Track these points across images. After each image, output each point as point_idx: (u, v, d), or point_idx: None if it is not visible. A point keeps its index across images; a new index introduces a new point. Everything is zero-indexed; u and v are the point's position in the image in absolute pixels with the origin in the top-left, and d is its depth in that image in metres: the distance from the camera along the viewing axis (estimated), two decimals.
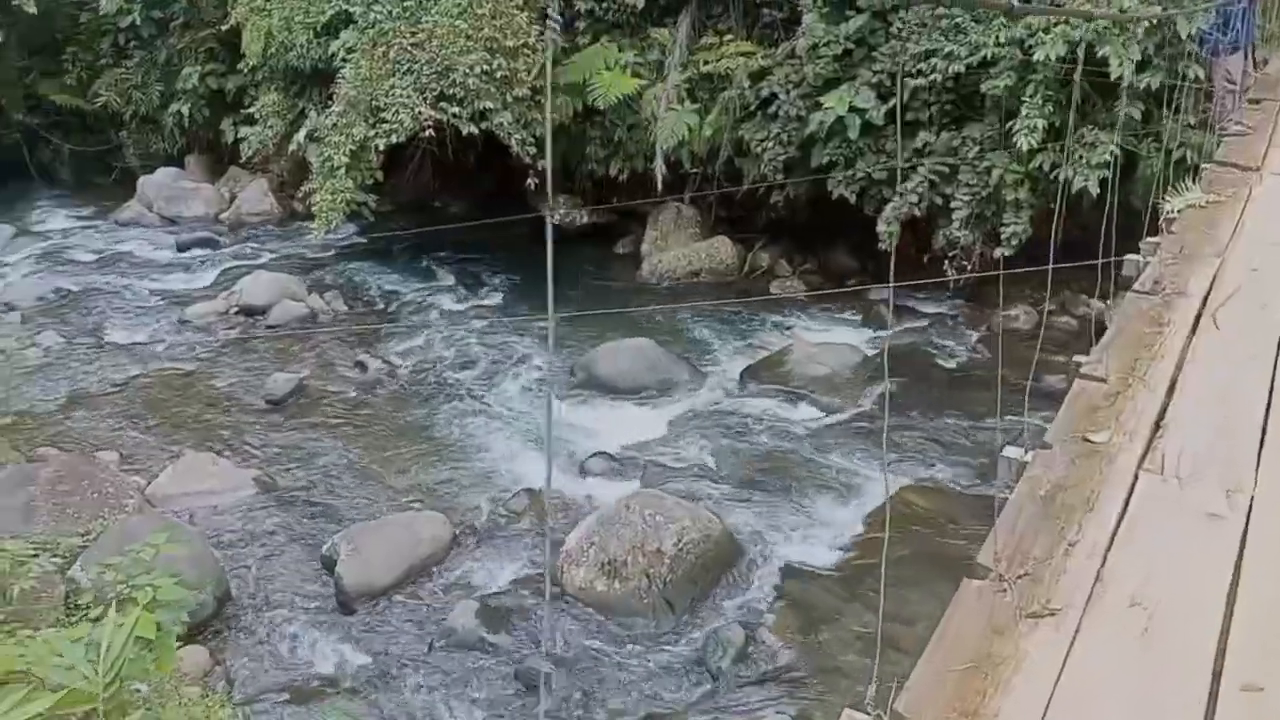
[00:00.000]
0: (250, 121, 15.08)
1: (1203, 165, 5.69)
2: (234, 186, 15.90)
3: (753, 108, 12.79)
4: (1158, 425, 3.08)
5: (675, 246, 13.11)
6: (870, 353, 10.56)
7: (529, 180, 12.53)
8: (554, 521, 7.77)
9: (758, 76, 12.78)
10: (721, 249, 13.02)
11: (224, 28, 15.24)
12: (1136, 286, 4.07)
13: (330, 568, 7.09)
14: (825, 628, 6.52)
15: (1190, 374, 3.37)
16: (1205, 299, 3.93)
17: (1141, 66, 10.21)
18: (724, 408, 9.68)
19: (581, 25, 13.56)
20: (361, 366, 10.28)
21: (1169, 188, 4.94)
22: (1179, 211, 4.84)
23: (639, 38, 13.69)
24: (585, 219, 13.85)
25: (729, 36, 13.28)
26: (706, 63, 13.08)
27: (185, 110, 16.06)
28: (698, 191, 13.61)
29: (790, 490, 8.26)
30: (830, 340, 10.72)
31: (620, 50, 13.40)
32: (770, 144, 12.51)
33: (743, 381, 10.12)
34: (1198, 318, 3.76)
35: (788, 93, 12.40)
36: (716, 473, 8.51)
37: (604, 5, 13.64)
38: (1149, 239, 4.63)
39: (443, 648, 6.36)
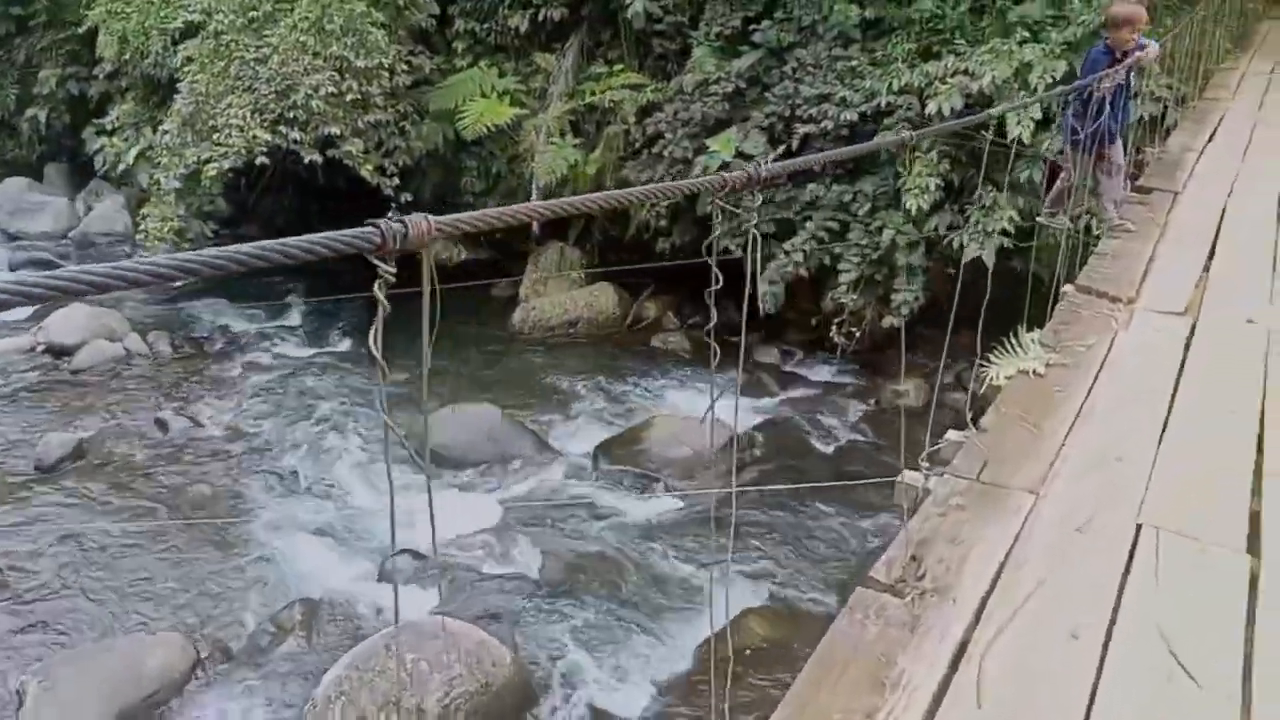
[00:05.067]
0: (109, 132, 13.46)
1: (1064, 290, 4.36)
2: (93, 201, 14.24)
3: (638, 145, 11.46)
4: None
5: (554, 293, 11.72)
6: (743, 429, 9.25)
7: (390, 214, 11.07)
8: (325, 641, 6.41)
9: (645, 112, 11.46)
10: (603, 297, 11.64)
11: (82, 29, 13.60)
12: (873, 573, 2.37)
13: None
14: None
15: None
16: (982, 608, 2.27)
17: (1043, 126, 9.02)
18: (567, 492, 8.31)
19: (460, 47, 12.14)
20: (162, 425, 8.77)
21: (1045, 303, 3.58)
22: (1007, 379, 3.50)
23: (523, 63, 12.30)
24: (462, 256, 12.42)
25: (619, 66, 11.93)
26: (593, 93, 11.71)
27: (42, 116, 14.36)
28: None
29: (621, 606, 6.92)
30: (697, 412, 9.38)
31: (501, 75, 12.01)
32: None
33: (595, 460, 8.75)
34: (955, 663, 2.09)
35: (675, 132, 11.08)
36: (538, 580, 7.13)
37: (486, 25, 12.25)
38: (953, 435, 3.25)
39: None
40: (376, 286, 1.13)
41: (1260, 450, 3.11)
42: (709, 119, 10.96)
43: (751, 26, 11.23)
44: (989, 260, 8.96)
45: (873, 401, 10.14)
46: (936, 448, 3.06)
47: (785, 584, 7.11)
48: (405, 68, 11.29)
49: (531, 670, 6.07)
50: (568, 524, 7.83)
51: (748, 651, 6.47)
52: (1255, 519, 2.78)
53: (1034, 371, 3.49)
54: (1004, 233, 9.06)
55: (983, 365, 3.52)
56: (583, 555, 7.39)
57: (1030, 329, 4.03)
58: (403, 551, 7.28)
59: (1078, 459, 2.97)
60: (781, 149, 10.51)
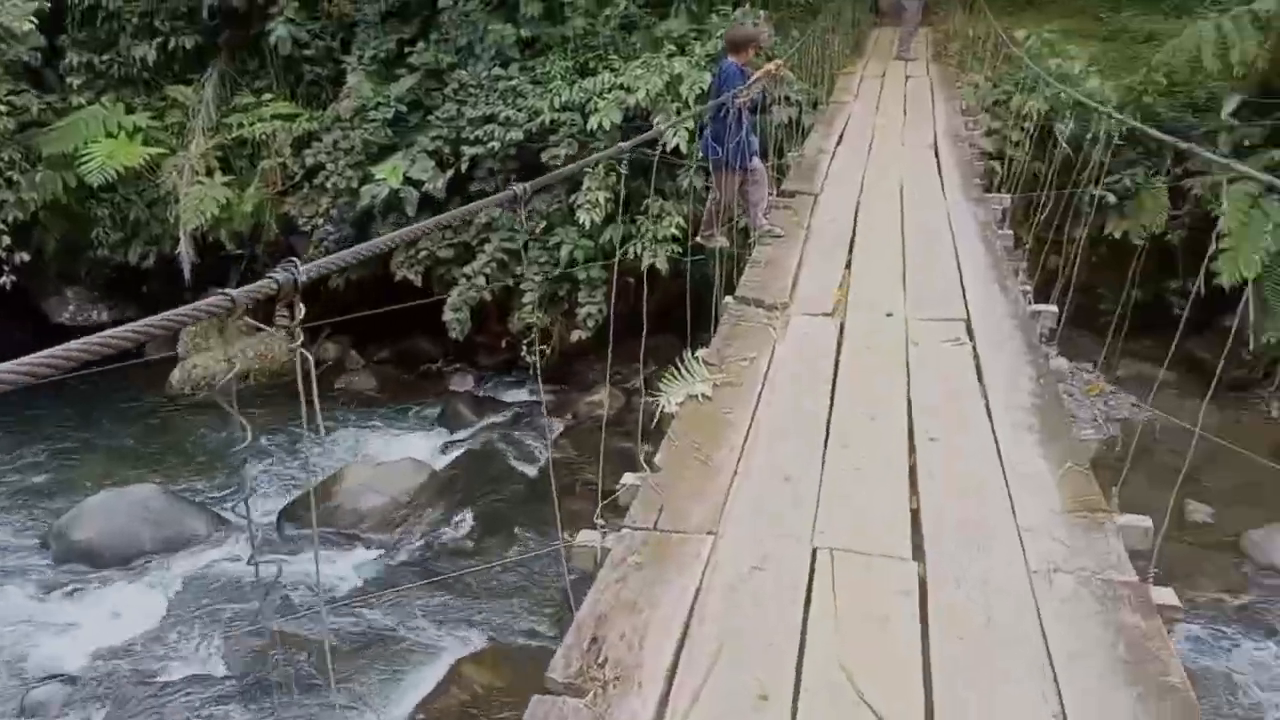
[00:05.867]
0: None
1: (724, 302, 4.37)
2: None
3: (298, 178, 10.62)
4: None
5: (218, 346, 10.58)
6: (440, 465, 8.79)
7: (3, 279, 9.48)
8: None
9: (302, 142, 10.64)
10: (275, 344, 10.64)
11: None
12: (550, 672, 2.06)
13: None
14: None
15: None
16: (669, 687, 2.04)
17: (696, 135, 9.33)
18: (250, 569, 7.42)
19: (76, 82, 10.64)
20: None
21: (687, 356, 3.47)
22: (679, 406, 3.38)
23: (155, 96, 11.02)
24: (101, 316, 10.90)
25: (268, 95, 11.00)
26: (241, 125, 10.70)
27: None
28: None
29: (326, 688, 6.22)
30: (392, 456, 8.79)
31: (130, 111, 10.66)
32: (320, 221, 10.42)
33: (280, 526, 7.90)
34: None
35: (336, 162, 10.38)
36: (221, 678, 6.27)
37: (105, 57, 10.83)
38: (629, 478, 2.88)
39: None
40: None
41: (912, 446, 3.18)
42: (372, 146, 10.38)
43: (408, 49, 10.79)
44: (662, 267, 9.13)
45: (570, 416, 10.03)
46: (614, 495, 2.84)
47: (496, 623, 6.76)
48: (6, 109, 9.69)
49: None
50: (254, 605, 6.98)
51: (468, 699, 6.10)
52: (916, 519, 2.80)
53: (702, 395, 3.38)
54: (674, 239, 9.27)
55: (652, 395, 3.37)
56: (272, 638, 6.60)
57: (698, 348, 3.96)
58: (53, 677, 6.15)
59: (750, 487, 2.86)
60: (451, 172, 10.16)
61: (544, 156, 9.76)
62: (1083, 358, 8.90)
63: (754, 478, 2.92)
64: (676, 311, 5.26)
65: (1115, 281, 8.05)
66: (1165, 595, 2.43)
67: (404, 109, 10.46)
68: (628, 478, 2.91)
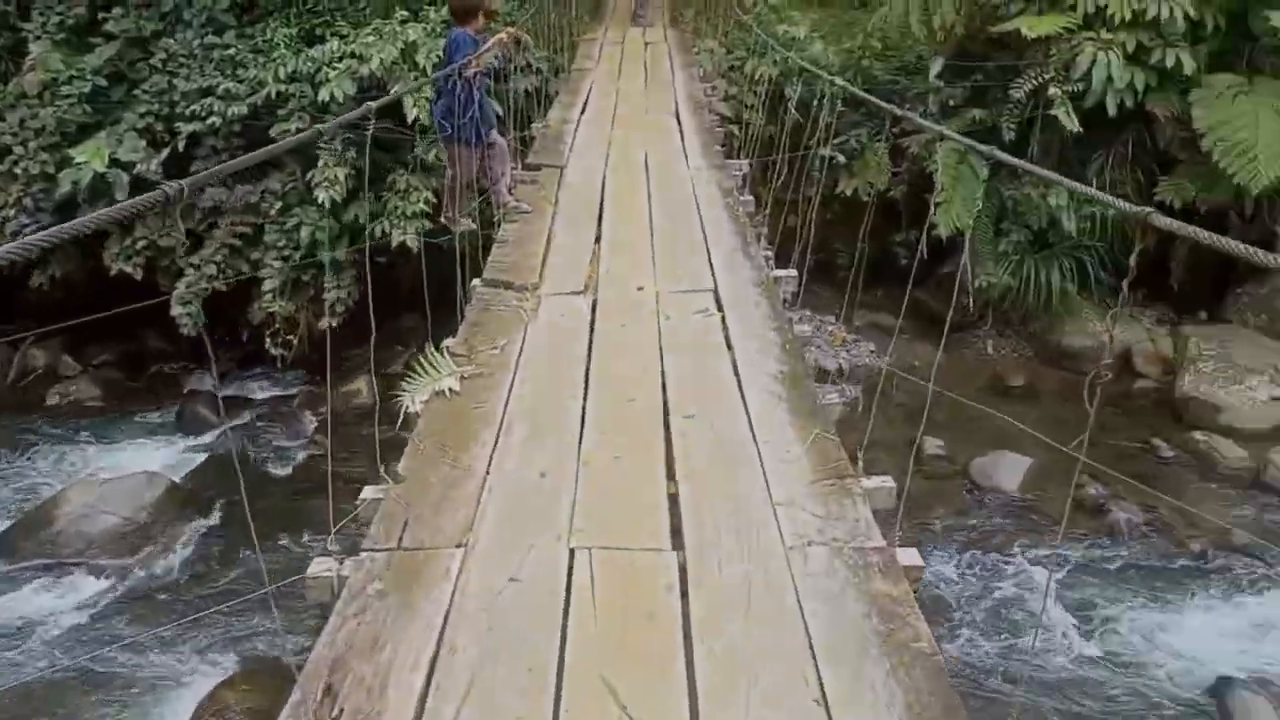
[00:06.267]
0: None
1: (471, 285, 4.13)
2: None
3: None
4: None
5: None
6: (180, 475, 8.00)
7: None
8: None
9: None
10: None
11: None
12: None
13: None
14: None
15: None
16: None
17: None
18: None
19: None
20: None
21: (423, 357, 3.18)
22: (425, 404, 3.13)
23: None
24: None
25: None
26: None
27: None
28: None
29: None
30: (123, 471, 7.90)
31: None
32: (12, 212, 9.11)
33: None
34: None
35: (26, 144, 9.09)
36: None
37: None
38: (369, 491, 2.62)
39: None
40: None
41: (668, 427, 3.11)
42: (69, 125, 9.18)
43: (103, 15, 9.56)
44: (413, 245, 8.69)
45: (324, 409, 9.41)
46: (354, 513, 2.56)
47: (251, 640, 6.25)
48: None
49: None
50: None
51: None
52: (675, 504, 2.72)
53: (449, 390, 3.15)
54: (424, 214, 8.85)
55: (398, 394, 3.09)
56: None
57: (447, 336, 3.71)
58: None
59: (503, 489, 2.67)
60: (167, 151, 9.15)
61: (273, 132, 8.99)
62: (825, 310, 9.38)
63: (507, 478, 2.73)
64: (435, 290, 4.97)
65: (849, 237, 8.50)
66: (910, 556, 2.49)
67: (104, 83, 9.31)
68: (367, 491, 2.64)
